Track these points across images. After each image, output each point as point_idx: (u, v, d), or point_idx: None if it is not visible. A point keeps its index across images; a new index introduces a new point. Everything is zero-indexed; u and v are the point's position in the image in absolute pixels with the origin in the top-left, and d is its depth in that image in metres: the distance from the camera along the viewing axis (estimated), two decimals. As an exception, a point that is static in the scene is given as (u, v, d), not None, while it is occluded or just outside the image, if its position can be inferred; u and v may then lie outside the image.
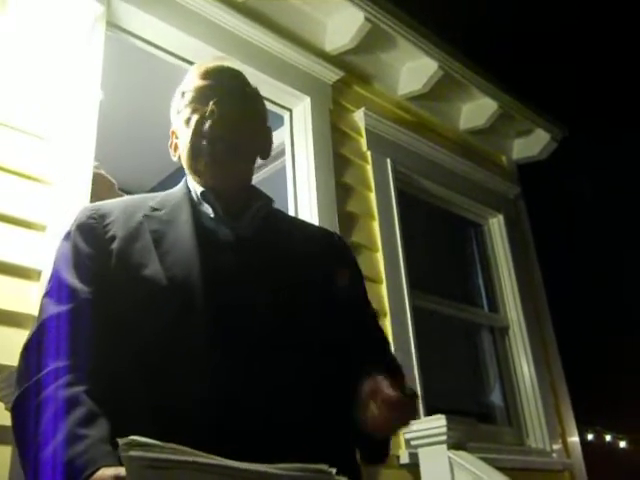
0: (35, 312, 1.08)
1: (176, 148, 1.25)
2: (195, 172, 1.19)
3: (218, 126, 1.15)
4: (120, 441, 0.73)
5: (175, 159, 1.26)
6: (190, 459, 0.71)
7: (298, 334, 1.05)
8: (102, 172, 2.25)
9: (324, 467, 0.75)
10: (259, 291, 1.07)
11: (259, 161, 1.26)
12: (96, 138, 2.19)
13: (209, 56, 2.54)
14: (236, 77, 1.25)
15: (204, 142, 1.15)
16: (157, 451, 0.71)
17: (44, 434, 0.91)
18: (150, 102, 3.26)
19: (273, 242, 1.16)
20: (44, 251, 1.80)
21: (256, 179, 1.30)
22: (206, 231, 1.13)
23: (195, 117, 1.17)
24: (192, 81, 1.22)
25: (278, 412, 0.97)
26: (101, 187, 2.06)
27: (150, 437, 0.73)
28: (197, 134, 1.16)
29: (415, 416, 1.04)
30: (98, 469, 0.83)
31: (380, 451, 1.12)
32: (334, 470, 0.75)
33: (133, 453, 0.70)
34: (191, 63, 2.63)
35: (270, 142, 1.29)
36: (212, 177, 1.16)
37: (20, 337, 1.03)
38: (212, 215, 1.15)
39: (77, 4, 2.15)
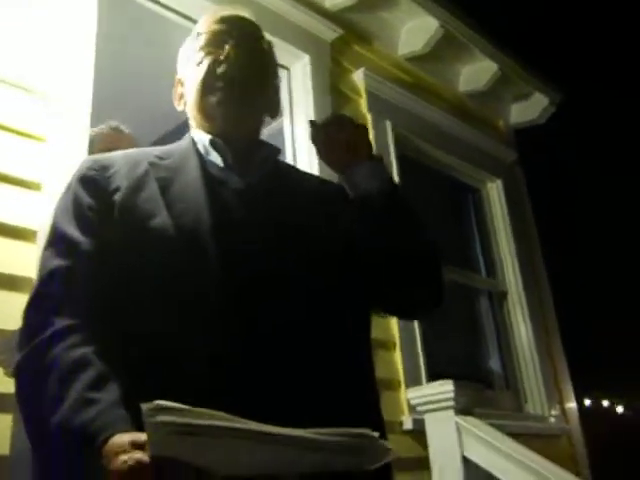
0: (32, 274, 1.00)
1: (181, 97, 1.21)
2: (204, 115, 1.14)
3: (234, 69, 1.10)
4: (144, 406, 0.67)
5: (180, 108, 1.22)
6: (222, 424, 0.65)
7: (310, 280, 0.99)
8: (122, 128, 2.19)
9: (367, 431, 0.70)
10: (270, 238, 1.01)
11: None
12: (94, 94, 2.10)
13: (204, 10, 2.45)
14: (253, 27, 1.20)
15: (218, 83, 1.10)
16: (187, 416, 0.65)
17: (52, 399, 0.85)
18: (149, 56, 3.15)
19: (282, 189, 1.12)
20: (40, 210, 1.72)
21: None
22: (214, 179, 1.08)
23: (209, 58, 1.12)
24: (207, 25, 1.17)
25: (297, 365, 0.92)
26: (125, 144, 1.97)
27: (163, 396, 0.68)
28: (211, 75, 1.11)
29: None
30: (112, 435, 0.77)
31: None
32: (377, 434, 0.70)
33: (160, 418, 0.64)
34: (188, 19, 2.54)
35: (279, 102, 1.25)
36: (224, 120, 1.11)
37: (17, 300, 0.96)
38: (221, 164, 1.10)
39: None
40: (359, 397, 0.99)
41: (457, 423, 2.02)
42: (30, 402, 0.90)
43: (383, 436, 1.04)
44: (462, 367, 3.40)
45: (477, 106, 4.07)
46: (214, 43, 1.13)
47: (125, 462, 0.72)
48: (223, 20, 1.16)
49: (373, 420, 0.98)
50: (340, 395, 0.94)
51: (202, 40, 1.15)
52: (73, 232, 0.99)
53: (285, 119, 3.00)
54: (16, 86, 1.95)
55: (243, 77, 1.11)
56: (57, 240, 1.01)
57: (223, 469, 0.71)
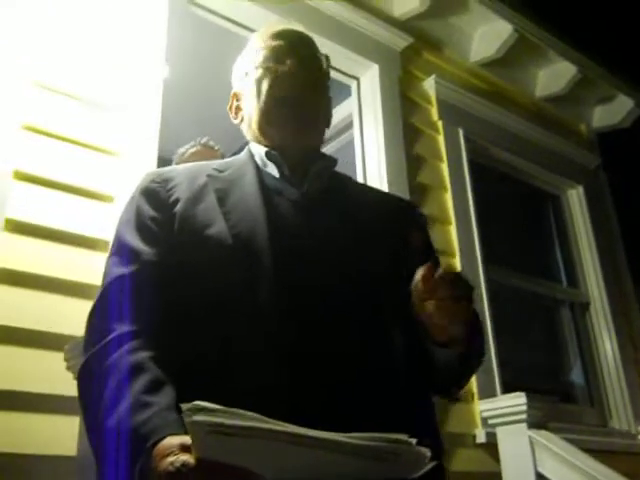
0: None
1: (237, 110, 1.23)
2: (264, 131, 1.15)
3: (295, 85, 1.12)
4: (183, 406, 0.68)
5: (236, 122, 1.24)
6: (257, 425, 0.66)
7: (367, 294, 0.99)
8: (212, 144, 2.29)
9: (403, 437, 0.68)
10: (326, 249, 1.02)
11: (327, 134, 1.23)
12: (166, 112, 2.18)
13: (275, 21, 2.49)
14: (310, 41, 1.21)
15: (279, 100, 1.12)
16: (223, 416, 0.66)
17: (109, 401, 0.88)
18: (220, 75, 3.23)
19: (338, 200, 1.12)
20: (111, 222, 1.80)
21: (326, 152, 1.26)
22: (271, 190, 1.09)
23: (269, 74, 1.13)
24: (263, 40, 1.18)
25: (349, 376, 0.92)
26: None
27: (216, 402, 0.68)
28: (272, 91, 1.12)
29: (471, 305, 0.90)
30: (164, 437, 0.79)
31: (456, 378, 1.06)
32: (414, 440, 0.68)
33: (197, 418, 0.65)
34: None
35: (331, 111, 1.26)
36: (283, 135, 1.13)
37: (87, 308, 1.00)
38: (277, 175, 1.12)
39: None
40: (411, 407, 0.97)
41: (530, 437, 1.95)
42: (90, 403, 0.93)
43: (440, 447, 1.03)
44: (541, 381, 3.28)
45: (556, 110, 3.95)
46: (273, 59, 1.14)
47: (172, 464, 0.74)
48: (280, 35, 1.17)
49: (426, 431, 0.97)
50: (392, 406, 0.93)
51: (261, 56, 1.16)
52: (135, 242, 1.03)
53: (355, 129, 3.00)
54: (90, 103, 2.05)
55: (304, 93, 1.12)
56: (120, 250, 1.05)
57: (267, 473, 0.72)
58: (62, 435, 1.57)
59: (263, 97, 1.13)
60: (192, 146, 2.34)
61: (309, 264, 1.00)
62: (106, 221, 1.86)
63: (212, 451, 0.69)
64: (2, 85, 1.88)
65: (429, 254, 1.19)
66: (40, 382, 1.64)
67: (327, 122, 1.22)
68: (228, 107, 1.25)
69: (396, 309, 1.01)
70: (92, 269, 1.70)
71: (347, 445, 0.67)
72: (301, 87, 1.12)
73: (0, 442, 1.56)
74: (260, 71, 1.14)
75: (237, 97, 1.23)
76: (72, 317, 1.60)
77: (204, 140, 2.34)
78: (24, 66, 1.96)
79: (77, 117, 2.01)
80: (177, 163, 2.24)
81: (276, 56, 1.14)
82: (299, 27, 1.24)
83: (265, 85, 1.13)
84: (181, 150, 2.35)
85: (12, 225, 1.78)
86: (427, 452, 0.70)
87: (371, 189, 1.38)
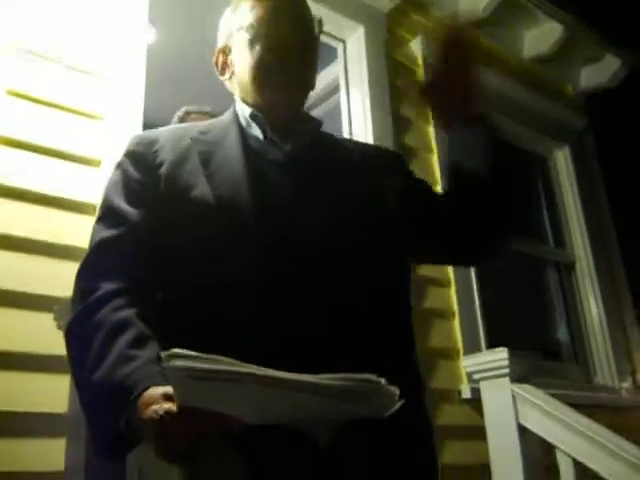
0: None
1: (224, 66, 1.21)
2: (256, 88, 1.14)
3: (289, 43, 1.11)
4: (162, 353, 0.71)
5: (224, 77, 1.22)
6: (232, 369, 0.69)
7: (352, 250, 1.02)
8: (215, 113, 2.27)
9: (372, 377, 0.71)
10: (310, 209, 1.04)
11: (313, 98, 1.23)
12: (151, 75, 2.18)
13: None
14: (301, 1, 1.21)
15: (273, 53, 1.11)
16: (199, 361, 0.69)
17: (96, 356, 0.91)
18: (205, 37, 3.21)
19: (323, 160, 1.13)
20: (99, 185, 1.82)
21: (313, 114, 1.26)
22: (254, 151, 1.11)
23: (263, 33, 1.12)
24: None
25: (325, 317, 0.95)
26: None
27: (195, 349, 0.71)
28: (265, 45, 1.12)
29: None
30: (148, 388, 0.82)
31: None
32: (383, 380, 0.72)
33: (175, 363, 0.69)
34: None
35: (316, 75, 1.24)
36: (280, 91, 1.13)
37: (75, 270, 1.03)
38: (261, 137, 1.13)
39: None
40: (388, 345, 1.01)
41: (512, 390, 2.00)
42: (78, 359, 0.96)
43: (421, 393, 1.07)
44: (527, 339, 3.34)
45: (543, 71, 3.94)
46: (266, 17, 1.13)
47: (155, 412, 0.77)
48: None
49: (410, 377, 1.01)
50: (367, 344, 0.97)
51: (253, 13, 1.14)
52: (122, 204, 1.05)
53: (341, 92, 2.99)
54: (75, 68, 2.05)
55: (295, 53, 1.12)
56: (107, 212, 1.07)
57: (245, 417, 0.75)
58: (54, 393, 1.61)
59: (256, 55, 1.12)
60: (195, 111, 2.30)
61: (290, 221, 1.02)
62: (93, 185, 1.88)
63: (191, 397, 0.73)
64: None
65: (421, 181, 1.27)
66: (31, 342, 1.68)
67: (313, 85, 1.22)
68: (214, 62, 1.23)
69: (377, 254, 1.04)
70: (80, 232, 1.73)
71: (319, 386, 0.71)
72: (293, 46, 1.12)
73: (-7, 400, 1.60)
74: (252, 29, 1.13)
75: (224, 52, 1.21)
76: (61, 279, 1.63)
77: (207, 108, 2.29)
78: (7, 31, 1.95)
79: (62, 82, 2.01)
80: (175, 123, 2.22)
81: (268, 15, 1.13)
82: None
83: (257, 43, 1.12)
84: (182, 109, 2.30)
85: (1, 190, 1.80)
86: (396, 391, 0.73)
87: (355, 142, 1.39)
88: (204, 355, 0.69)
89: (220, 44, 1.22)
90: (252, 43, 1.13)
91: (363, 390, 0.71)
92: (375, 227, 1.05)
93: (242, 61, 1.16)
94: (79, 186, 1.90)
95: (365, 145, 1.35)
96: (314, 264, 0.98)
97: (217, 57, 1.22)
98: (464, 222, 1.17)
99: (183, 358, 0.69)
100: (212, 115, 2.27)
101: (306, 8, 1.20)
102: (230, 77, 1.20)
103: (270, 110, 1.13)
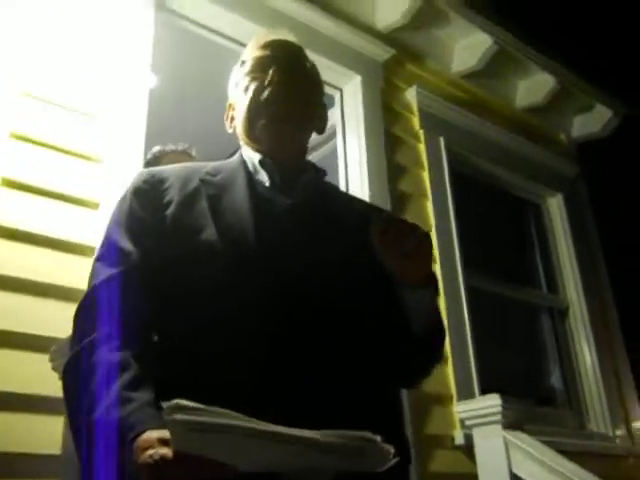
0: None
1: (232, 120, 1.27)
2: (252, 138, 1.19)
3: (277, 92, 1.16)
4: (164, 404, 0.72)
5: (230, 130, 1.28)
6: (234, 423, 0.71)
7: (345, 299, 1.04)
8: (191, 152, 2.32)
9: (368, 434, 0.73)
10: (310, 256, 1.06)
11: (311, 144, 1.28)
12: (151, 122, 2.23)
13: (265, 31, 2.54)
14: (296, 50, 1.26)
15: (264, 106, 1.16)
16: (201, 414, 0.70)
17: (92, 397, 0.91)
18: (205, 85, 3.28)
19: (326, 210, 1.17)
20: (97, 227, 1.84)
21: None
22: (261, 198, 1.13)
23: (254, 84, 1.18)
24: (251, 51, 1.24)
25: (324, 376, 0.96)
26: None
27: (198, 399, 0.73)
28: (256, 98, 1.17)
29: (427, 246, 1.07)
30: (143, 431, 0.83)
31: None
32: (378, 438, 0.73)
33: (177, 416, 0.70)
34: (240, 44, 2.63)
35: (326, 118, 1.30)
36: (271, 141, 1.17)
37: (72, 311, 1.04)
38: (267, 183, 1.16)
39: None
40: (379, 409, 1.02)
41: (505, 438, 2.00)
42: (74, 400, 0.96)
43: (407, 450, 1.08)
44: (521, 384, 3.33)
45: (536, 120, 4.02)
46: (259, 69, 1.19)
47: (151, 456, 0.78)
48: (266, 45, 1.22)
49: (392, 430, 1.02)
50: (361, 407, 0.98)
51: (248, 66, 1.21)
52: (124, 243, 1.06)
53: (338, 138, 3.05)
54: (77, 111, 2.11)
55: (287, 98, 1.16)
56: (109, 250, 1.07)
57: (239, 465, 0.76)
58: (47, 434, 1.61)
59: (247, 105, 1.18)
60: (170, 149, 2.34)
61: (292, 271, 1.04)
62: (91, 227, 1.91)
63: (189, 446, 0.74)
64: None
65: None
66: (26, 382, 1.68)
67: (318, 126, 1.26)
68: (225, 117, 1.29)
69: (372, 311, 1.07)
70: (77, 273, 1.75)
71: (315, 442, 0.72)
72: (283, 93, 1.16)
73: (-14, 441, 1.60)
74: (246, 80, 1.20)
75: (232, 107, 1.27)
76: (56, 320, 1.65)
77: (185, 146, 2.36)
78: (10, 75, 2.00)
79: (63, 125, 2.06)
80: (150, 162, 2.26)
81: (260, 66, 1.19)
82: (287, 35, 1.29)
83: (249, 94, 1.18)
84: (157, 148, 2.36)
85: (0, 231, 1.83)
86: (391, 449, 0.74)
87: (356, 200, 1.41)
88: (205, 407, 0.71)
89: (229, 99, 1.29)
90: (244, 96, 1.19)
91: (360, 447, 0.73)
92: (362, 286, 1.08)
93: (238, 114, 1.21)
94: (77, 228, 1.93)
95: (366, 204, 1.38)
96: (311, 303, 1.01)
97: (227, 113, 1.29)
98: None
99: (185, 410, 0.70)
100: (188, 154, 2.31)
101: (298, 55, 1.25)
102: (234, 129, 1.26)
103: (274, 158, 1.17)
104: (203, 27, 2.67)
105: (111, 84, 2.20)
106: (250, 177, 1.16)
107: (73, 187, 2.00)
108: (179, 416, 0.70)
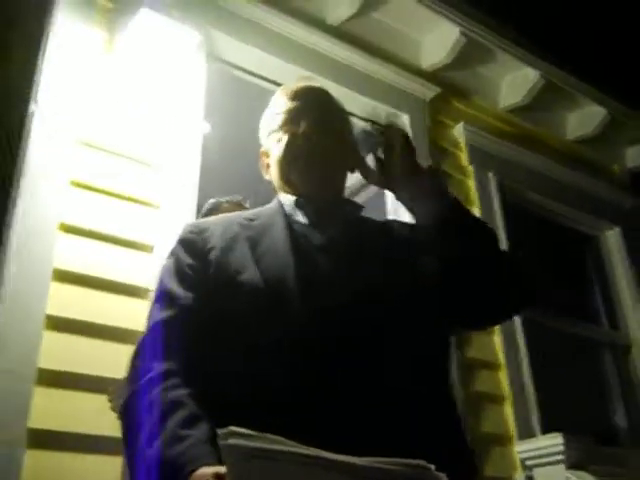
0: (143, 328, 1.12)
1: (267, 167, 1.31)
2: (288, 183, 1.24)
3: (311, 141, 1.21)
4: (219, 431, 0.73)
5: (267, 177, 1.32)
6: (290, 449, 0.71)
7: (390, 332, 1.04)
8: (244, 203, 2.38)
9: (422, 462, 0.72)
10: (350, 292, 1.06)
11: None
12: (204, 167, 2.30)
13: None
14: (323, 96, 1.31)
15: (298, 156, 1.21)
16: (255, 440, 0.70)
17: (149, 435, 0.94)
18: (256, 131, 3.35)
19: (364, 244, 1.17)
20: (151, 270, 1.89)
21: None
22: (299, 236, 1.16)
23: (287, 135, 1.23)
24: (282, 103, 1.28)
25: (372, 413, 0.95)
26: None
27: (248, 426, 0.73)
28: (291, 151, 1.22)
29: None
30: (199, 467, 0.84)
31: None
32: (433, 466, 0.72)
33: (232, 441, 0.70)
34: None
35: (358, 154, 1.29)
36: (306, 187, 1.21)
37: (128, 351, 1.08)
38: (305, 222, 1.19)
39: (177, 36, 2.27)
40: (434, 430, 1.01)
41: (568, 479, 1.93)
42: (131, 438, 0.99)
43: (472, 476, 1.06)
44: (584, 423, 3.21)
45: (588, 152, 3.96)
46: (290, 120, 1.24)
47: None
48: (297, 96, 1.27)
49: (452, 446, 1.00)
50: (414, 431, 0.97)
51: (280, 119, 1.26)
52: (175, 288, 1.11)
53: (386, 178, 3.06)
54: (133, 159, 2.20)
55: (319, 146, 1.21)
56: (161, 295, 1.13)
57: None
58: (107, 474, 1.63)
59: (280, 157, 1.23)
60: (226, 201, 2.41)
61: (333, 308, 1.04)
62: (146, 270, 1.96)
63: (246, 475, 0.74)
64: (51, 143, 2.02)
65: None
66: (83, 422, 1.72)
67: (353, 164, 1.27)
68: (260, 165, 1.34)
69: (414, 326, 1.06)
70: (133, 315, 1.80)
71: (372, 470, 0.72)
72: (316, 142, 1.20)
73: (48, 481, 1.63)
74: (280, 133, 1.25)
75: (266, 155, 1.31)
76: (114, 361, 1.68)
77: (238, 198, 2.41)
78: (70, 126, 2.10)
79: (120, 173, 2.15)
80: (205, 214, 2.32)
81: (291, 118, 1.24)
82: (316, 79, 1.33)
83: (282, 145, 1.23)
84: (212, 201, 2.43)
85: (59, 275, 1.90)
86: (444, 477, 0.73)
87: (397, 223, 1.42)
88: (260, 434, 0.71)
89: (262, 146, 1.33)
90: (278, 148, 1.24)
91: (415, 475, 0.72)
92: (410, 301, 1.08)
93: (274, 166, 1.26)
94: (133, 271, 1.99)
95: (397, 223, 1.39)
96: (354, 336, 1.01)
97: (262, 160, 1.34)
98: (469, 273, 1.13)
99: (240, 436, 0.71)
100: (242, 205, 2.35)
101: (329, 104, 1.30)
102: (270, 176, 1.31)
103: (310, 198, 1.20)
104: (249, 72, 2.75)
105: (166, 133, 2.28)
106: (288, 218, 1.19)
107: (129, 231, 2.07)
108: (234, 441, 0.71)
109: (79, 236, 1.99)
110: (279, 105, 1.28)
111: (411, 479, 0.73)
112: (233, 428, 0.72)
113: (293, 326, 1.02)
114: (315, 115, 1.24)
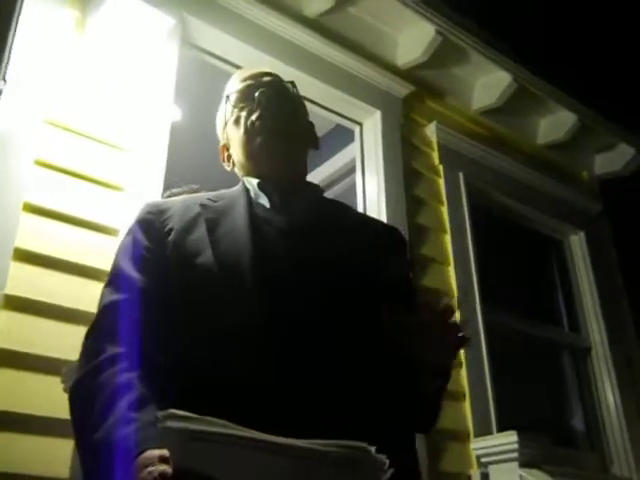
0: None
1: (228, 159, 1.32)
2: (251, 158, 1.23)
3: (268, 110, 1.21)
4: (159, 414, 0.73)
5: (229, 168, 1.33)
6: (229, 432, 0.71)
7: (343, 316, 1.04)
8: (194, 187, 2.36)
9: (362, 444, 0.72)
10: (310, 277, 1.07)
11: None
12: (172, 152, 2.28)
13: (281, 72, 2.60)
14: (276, 76, 1.32)
15: (258, 128, 1.21)
16: (195, 423, 0.70)
17: (97, 418, 0.93)
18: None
19: (325, 227, 1.18)
20: (113, 253, 1.87)
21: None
22: (260, 220, 1.16)
23: (245, 112, 1.24)
24: (234, 86, 1.29)
25: (322, 391, 0.96)
26: None
27: (196, 413, 0.73)
28: (250, 123, 1.22)
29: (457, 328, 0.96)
30: (145, 450, 0.84)
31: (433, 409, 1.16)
32: (373, 448, 0.73)
33: (171, 424, 0.70)
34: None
35: (316, 133, 1.34)
36: (268, 157, 1.21)
37: (83, 333, 1.07)
38: (268, 205, 1.19)
39: (151, 20, 2.24)
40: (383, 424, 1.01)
41: (521, 476, 1.96)
42: (79, 420, 0.98)
43: (415, 467, 1.07)
44: (540, 423, 3.27)
45: (558, 157, 4.01)
46: (245, 98, 1.25)
47: (150, 473, 0.78)
48: (247, 77, 1.29)
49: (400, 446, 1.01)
50: (362, 421, 0.97)
51: (233, 99, 1.27)
52: (130, 270, 1.10)
53: (357, 172, 3.08)
54: (100, 141, 2.17)
55: (278, 114, 1.22)
56: (115, 277, 1.12)
57: None
58: (56, 457, 1.62)
59: (242, 131, 1.23)
60: (183, 190, 2.40)
61: (289, 290, 1.05)
62: (109, 253, 1.93)
63: (186, 459, 0.74)
64: (18, 121, 2.00)
65: (407, 279, 1.27)
66: (36, 404, 1.69)
67: (312, 142, 1.31)
68: (221, 159, 1.34)
69: (374, 330, 1.06)
70: (92, 298, 1.76)
71: (311, 451, 0.72)
72: (273, 112, 1.21)
73: (-3, 462, 1.61)
74: (236, 112, 1.25)
75: (226, 148, 1.32)
76: (71, 343, 1.66)
77: (196, 187, 2.40)
78: (37, 104, 2.06)
79: (86, 154, 2.12)
80: None
81: (245, 95, 1.25)
82: (293, 72, 1.34)
83: (242, 121, 1.23)
84: (174, 191, 2.42)
85: (20, 254, 1.87)
86: (385, 460, 0.73)
87: (358, 214, 1.44)
88: (199, 416, 0.71)
89: (221, 140, 1.34)
90: (236, 128, 1.24)
91: (357, 458, 0.72)
92: (361, 287, 1.09)
93: (236, 147, 1.26)
94: (94, 253, 1.97)
95: (369, 218, 1.39)
96: (304, 320, 1.01)
97: (222, 154, 1.34)
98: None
99: (179, 419, 0.71)
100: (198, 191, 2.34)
101: (278, 77, 1.31)
102: (232, 165, 1.31)
103: (274, 180, 1.20)
104: (222, 60, 2.73)
105: (135, 116, 2.25)
106: (250, 201, 1.19)
107: (93, 213, 2.05)
108: (173, 424, 0.70)
109: (42, 216, 1.96)
110: (231, 87, 1.29)
111: (351, 460, 0.73)
112: (172, 411, 0.72)
113: (244, 309, 1.02)
114: (271, 87, 1.25)
